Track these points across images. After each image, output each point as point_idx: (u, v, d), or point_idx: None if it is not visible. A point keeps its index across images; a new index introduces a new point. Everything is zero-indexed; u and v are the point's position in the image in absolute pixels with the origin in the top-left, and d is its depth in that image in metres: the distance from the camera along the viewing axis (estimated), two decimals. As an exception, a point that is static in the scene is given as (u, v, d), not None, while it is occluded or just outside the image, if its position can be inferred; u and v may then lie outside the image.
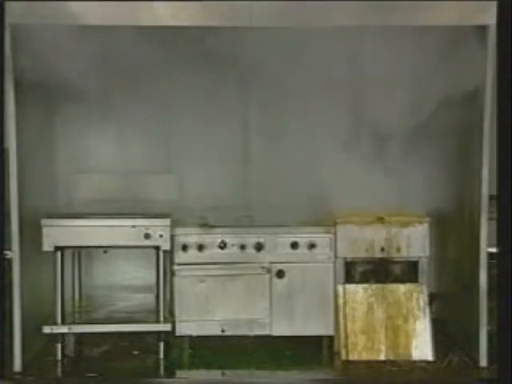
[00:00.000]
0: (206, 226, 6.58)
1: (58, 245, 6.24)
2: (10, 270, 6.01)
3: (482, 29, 6.01)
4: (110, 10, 5.90)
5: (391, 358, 6.43)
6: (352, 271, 6.70)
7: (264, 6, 5.92)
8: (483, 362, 6.21)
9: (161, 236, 6.32)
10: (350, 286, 6.61)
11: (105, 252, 6.94)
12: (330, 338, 6.57)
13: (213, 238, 6.52)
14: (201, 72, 7.07)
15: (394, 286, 6.61)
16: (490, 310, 6.12)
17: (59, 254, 6.28)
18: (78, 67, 6.87)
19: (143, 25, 6.01)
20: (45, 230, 6.20)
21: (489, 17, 5.93)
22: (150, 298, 6.86)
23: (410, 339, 6.47)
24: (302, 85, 7.17)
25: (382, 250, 6.64)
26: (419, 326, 6.50)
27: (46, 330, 6.28)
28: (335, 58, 7.07)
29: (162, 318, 6.39)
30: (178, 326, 6.47)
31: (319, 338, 6.58)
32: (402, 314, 6.53)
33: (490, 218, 6.04)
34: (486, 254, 6.16)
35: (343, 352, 6.46)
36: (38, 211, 6.33)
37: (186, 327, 6.50)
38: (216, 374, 6.17)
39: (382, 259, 6.67)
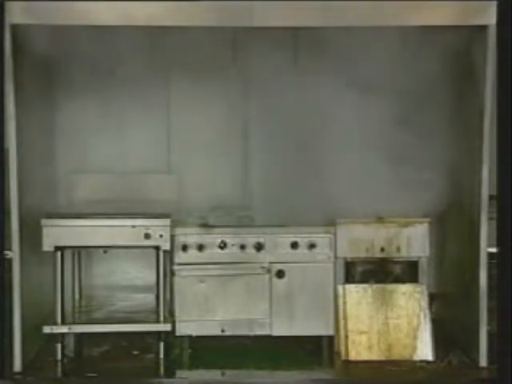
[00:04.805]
0: (205, 226, 6.58)
1: (58, 245, 6.24)
2: (10, 269, 6.01)
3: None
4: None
5: (391, 357, 6.43)
6: (352, 271, 6.70)
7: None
8: (483, 362, 6.21)
9: (161, 236, 6.31)
10: (350, 286, 6.60)
11: (105, 252, 6.94)
12: (330, 338, 6.57)
13: (213, 238, 6.52)
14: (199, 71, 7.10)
15: (394, 286, 6.61)
16: (489, 310, 6.12)
17: (59, 254, 6.27)
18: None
19: (139, 25, 5.99)
20: (45, 230, 6.20)
21: (489, 17, 5.93)
22: (150, 297, 6.87)
23: (410, 339, 6.47)
24: (302, 85, 7.17)
25: (382, 250, 6.64)
26: (419, 326, 6.49)
27: (46, 330, 6.27)
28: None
29: (162, 318, 6.39)
30: (177, 326, 6.47)
31: (319, 337, 6.58)
32: (402, 314, 6.53)
33: (490, 218, 6.04)
34: (486, 254, 6.16)
35: (343, 352, 6.46)
36: (37, 211, 6.32)
37: (186, 327, 6.49)
38: (216, 374, 6.17)
39: (382, 259, 6.67)
